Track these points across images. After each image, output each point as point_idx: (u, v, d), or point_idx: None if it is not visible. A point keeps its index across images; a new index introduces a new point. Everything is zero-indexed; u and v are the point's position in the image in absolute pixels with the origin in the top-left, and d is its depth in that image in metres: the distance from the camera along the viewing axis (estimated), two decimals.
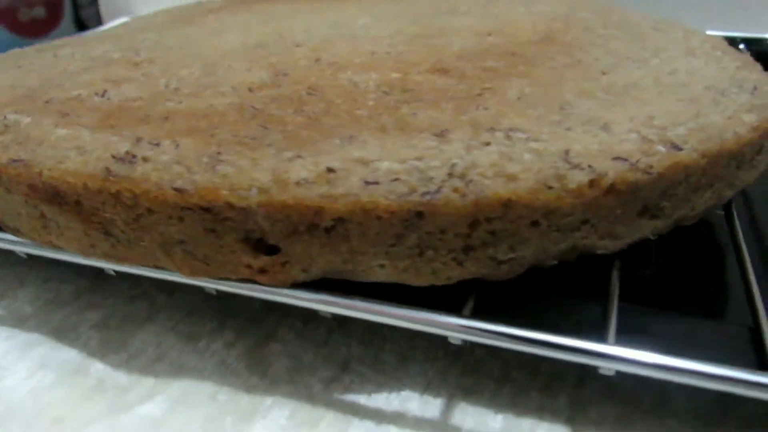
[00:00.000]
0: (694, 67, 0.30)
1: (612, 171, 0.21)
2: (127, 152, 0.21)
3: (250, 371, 0.24)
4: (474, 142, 0.22)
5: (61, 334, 0.26)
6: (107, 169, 0.20)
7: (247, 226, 0.20)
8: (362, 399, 0.23)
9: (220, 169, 0.20)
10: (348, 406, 0.23)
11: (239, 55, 0.31)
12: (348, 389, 0.23)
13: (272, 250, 0.20)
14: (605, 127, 0.23)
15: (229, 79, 0.28)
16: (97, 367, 0.25)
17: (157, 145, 0.21)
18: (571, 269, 0.23)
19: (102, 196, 0.20)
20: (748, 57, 0.33)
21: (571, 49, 0.32)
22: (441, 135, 0.22)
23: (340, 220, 0.19)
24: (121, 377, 0.24)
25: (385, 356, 0.25)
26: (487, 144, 0.21)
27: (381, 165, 0.20)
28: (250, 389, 0.23)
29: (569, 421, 0.22)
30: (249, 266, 0.20)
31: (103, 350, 0.25)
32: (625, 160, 0.21)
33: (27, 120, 0.24)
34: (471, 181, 0.20)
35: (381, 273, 0.21)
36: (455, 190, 0.19)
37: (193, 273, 0.21)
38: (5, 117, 0.25)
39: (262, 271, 0.21)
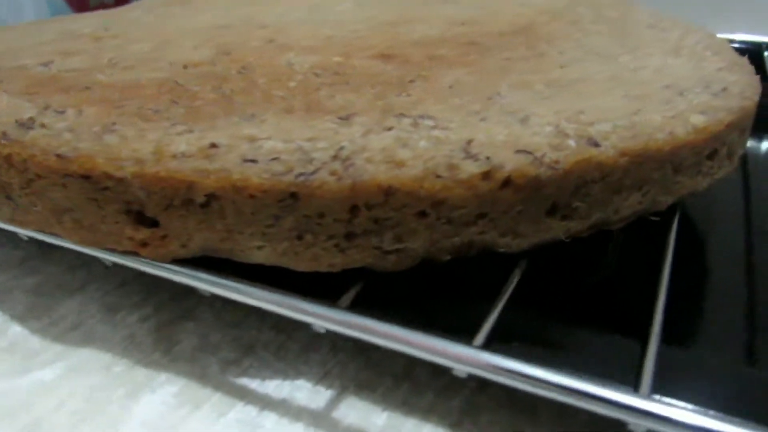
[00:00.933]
0: (666, 66, 0.28)
1: (511, 164, 0.19)
2: (30, 118, 0.21)
3: (155, 346, 0.24)
4: (376, 126, 0.21)
5: None
6: (3, 133, 0.21)
7: (125, 197, 0.20)
8: (254, 384, 0.22)
9: (107, 138, 0.20)
10: (237, 390, 0.22)
11: (198, 34, 0.31)
12: (244, 373, 0.23)
13: (152, 223, 0.20)
14: (524, 120, 0.21)
15: (172, 56, 0.28)
16: (15, 330, 0.25)
17: (62, 113, 0.22)
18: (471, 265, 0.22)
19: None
20: (739, 59, 0.31)
21: (540, 41, 0.31)
22: (346, 118, 0.21)
23: (213, 197, 0.19)
24: (34, 342, 0.25)
25: (291, 344, 0.24)
26: (389, 129, 0.21)
27: (265, 144, 0.19)
28: (149, 364, 0.23)
29: (455, 425, 0.20)
30: (131, 238, 0.20)
31: (26, 315, 0.26)
32: (529, 153, 0.20)
33: None
34: (352, 164, 0.19)
35: (260, 255, 0.20)
36: (332, 173, 0.19)
37: (82, 242, 0.21)
38: None
39: (144, 244, 0.20)
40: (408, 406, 0.21)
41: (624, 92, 0.24)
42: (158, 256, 0.20)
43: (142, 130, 0.20)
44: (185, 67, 0.26)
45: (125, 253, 0.21)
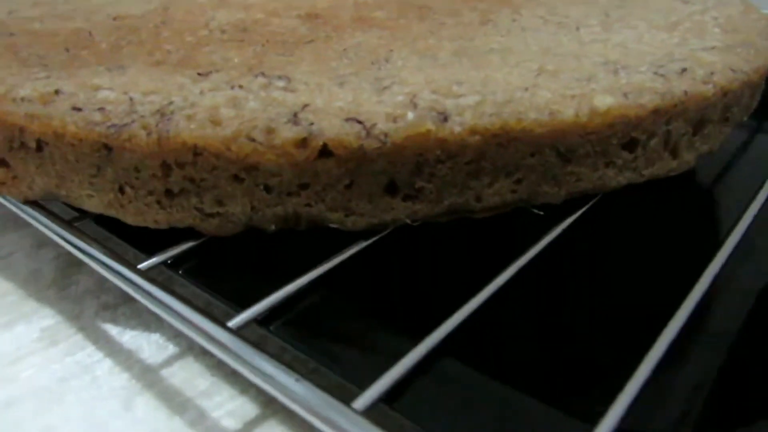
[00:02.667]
0: (637, 40, 0.24)
1: (333, 132, 0.18)
2: None
3: (53, 282, 0.25)
4: (225, 84, 0.20)
5: None
6: None
7: None
8: (114, 331, 0.23)
9: None
10: (96, 334, 0.22)
11: None
12: (113, 320, 0.23)
13: (5, 164, 0.21)
14: (384, 88, 0.19)
15: (118, 9, 0.28)
16: None
17: None
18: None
19: None
20: (755, 40, 0.26)
21: (505, 7, 0.28)
22: (206, 75, 0.21)
23: (43, 142, 0.19)
24: None
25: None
26: (238, 87, 0.20)
27: (100, 94, 0.19)
28: (40, 298, 0.24)
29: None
30: None
31: None
32: (360, 122, 0.18)
33: None
34: (169, 120, 0.18)
35: (91, 203, 0.20)
36: (144, 126, 0.18)
37: None
38: None
39: (2, 182, 0.21)
40: (235, 377, 0.21)
41: (539, 66, 0.21)
42: (13, 194, 0.21)
43: (11, 74, 0.21)
44: (115, 18, 0.27)
45: None
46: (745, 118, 0.25)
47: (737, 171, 0.28)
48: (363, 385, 0.14)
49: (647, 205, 0.24)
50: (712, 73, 0.22)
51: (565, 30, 0.25)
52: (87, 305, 0.24)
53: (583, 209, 0.20)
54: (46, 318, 0.24)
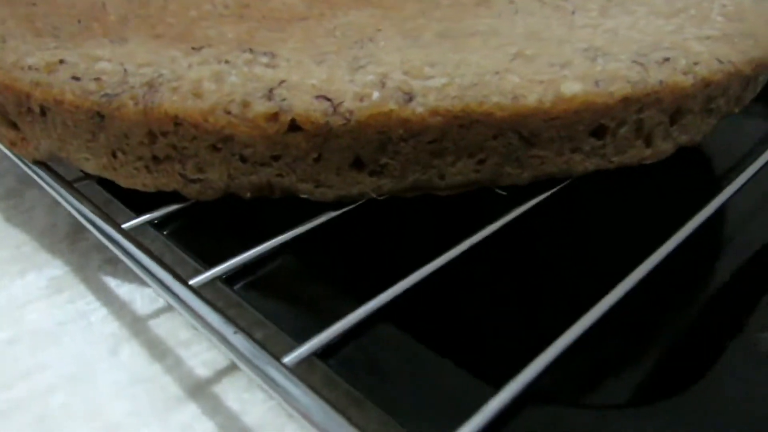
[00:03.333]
0: (630, 26, 0.25)
1: (302, 108, 0.19)
2: None
3: (66, 237, 0.27)
4: (213, 59, 0.21)
5: None
6: None
7: None
8: (113, 283, 0.25)
9: None
10: (97, 284, 0.25)
11: None
12: (114, 273, 0.25)
13: (16, 126, 0.23)
14: (360, 67, 0.20)
15: None
16: None
17: None
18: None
19: None
20: (760, 29, 0.25)
21: None
22: (198, 49, 0.22)
23: (45, 108, 0.21)
24: None
25: None
26: (223, 62, 0.21)
27: (98, 65, 0.21)
28: (52, 250, 0.27)
29: None
30: (5, 136, 0.23)
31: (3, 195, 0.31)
32: (328, 100, 0.19)
33: None
34: (156, 92, 0.20)
35: (88, 165, 0.22)
36: (132, 97, 0.20)
37: None
38: None
39: (13, 143, 0.23)
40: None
41: (518, 50, 0.22)
42: (23, 154, 0.23)
43: (24, 43, 0.23)
44: None
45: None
46: (737, 110, 0.25)
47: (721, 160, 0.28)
48: (299, 342, 0.15)
49: (622, 193, 0.24)
50: (695, 63, 0.22)
51: (560, 14, 0.25)
52: (92, 259, 0.26)
53: (547, 193, 0.21)
54: (56, 268, 0.26)
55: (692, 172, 0.28)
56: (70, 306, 0.24)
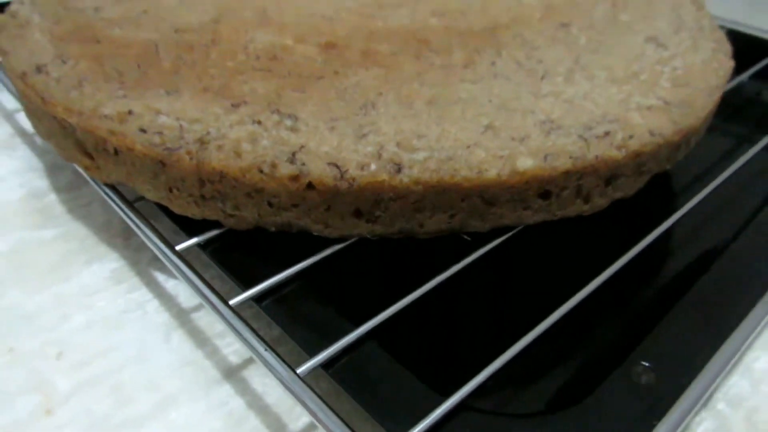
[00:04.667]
0: (585, 96, 0.30)
1: (317, 173, 0.25)
2: (44, 64, 0.31)
3: (121, 234, 0.34)
4: (249, 118, 0.27)
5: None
6: (24, 73, 0.30)
7: (75, 135, 0.28)
8: (161, 277, 0.31)
9: (72, 93, 0.28)
10: (149, 279, 0.31)
11: None
12: (162, 269, 0.32)
13: (91, 156, 0.29)
14: (363, 135, 0.26)
15: (180, 17, 0.35)
16: (51, 197, 0.37)
17: (65, 63, 0.31)
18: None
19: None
20: (690, 96, 0.31)
21: (489, 47, 0.33)
22: (236, 106, 0.28)
23: (119, 150, 0.27)
24: (55, 208, 0.36)
25: None
26: (256, 123, 0.27)
27: (161, 118, 0.27)
28: (111, 244, 0.33)
29: None
30: (81, 162, 0.29)
31: (64, 187, 0.37)
32: (337, 167, 0.25)
33: (36, 18, 0.35)
34: (206, 149, 0.26)
35: (149, 194, 0.28)
36: (188, 152, 0.26)
37: (69, 158, 0.30)
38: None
39: (89, 168, 0.29)
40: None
41: (489, 122, 0.28)
42: (96, 177, 0.30)
43: (97, 89, 0.29)
44: (176, 31, 0.34)
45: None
46: (669, 167, 0.31)
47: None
48: (311, 356, 0.22)
49: (568, 230, 0.30)
50: (630, 137, 0.28)
51: (531, 79, 0.31)
52: (143, 255, 0.33)
53: (503, 238, 0.27)
54: (114, 261, 0.32)
55: (647, 193, 0.33)
56: (129, 296, 0.30)
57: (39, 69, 0.30)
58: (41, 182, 0.38)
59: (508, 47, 0.33)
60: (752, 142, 0.37)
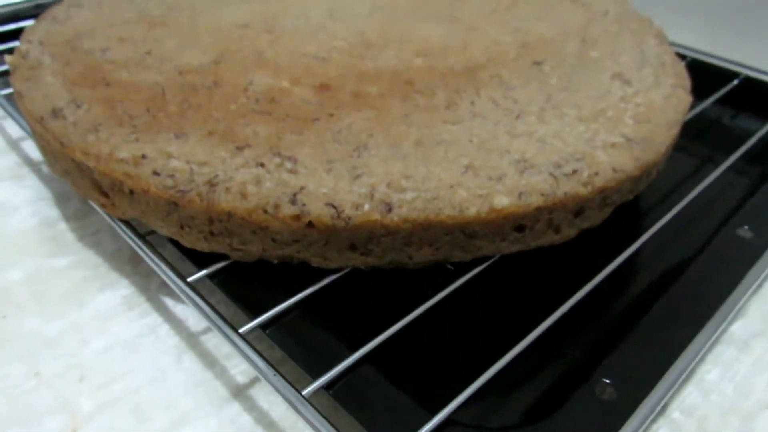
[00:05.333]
0: (554, 134, 0.33)
1: (316, 213, 0.28)
2: (60, 108, 0.33)
3: (130, 260, 0.37)
4: (252, 161, 0.30)
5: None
6: (42, 118, 0.33)
7: (92, 176, 0.31)
8: (169, 302, 0.34)
9: (89, 137, 0.31)
10: (159, 305, 0.34)
11: (215, 34, 0.41)
12: (170, 295, 0.35)
13: (107, 195, 0.32)
14: (357, 176, 0.29)
15: (183, 58, 0.38)
16: (61, 226, 0.39)
17: (79, 107, 0.33)
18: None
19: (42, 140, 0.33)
20: (651, 132, 0.34)
21: (469, 87, 0.36)
22: (240, 149, 0.31)
23: (133, 191, 0.30)
24: (66, 237, 0.38)
25: None
26: (259, 165, 0.30)
27: (173, 162, 0.30)
28: (121, 272, 0.36)
29: None
30: (97, 199, 0.32)
31: (73, 215, 0.40)
32: (334, 208, 0.28)
33: (47, 60, 0.38)
34: (214, 191, 0.28)
35: (161, 230, 0.31)
36: (198, 194, 0.28)
37: (85, 196, 0.33)
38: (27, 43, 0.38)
39: (104, 205, 0.32)
40: None
41: (469, 161, 0.31)
42: (114, 214, 0.32)
43: (111, 134, 0.31)
44: (180, 73, 0.36)
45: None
46: (631, 197, 0.34)
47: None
48: (314, 377, 0.25)
49: (542, 256, 0.33)
50: (596, 174, 0.31)
51: (507, 119, 0.34)
52: (152, 281, 0.35)
53: (483, 266, 0.31)
54: (124, 288, 0.35)
55: (614, 220, 0.36)
56: (141, 321, 0.33)
57: (55, 113, 0.33)
58: (51, 211, 0.40)
59: (486, 87, 0.37)
60: (716, 163, 0.41)
